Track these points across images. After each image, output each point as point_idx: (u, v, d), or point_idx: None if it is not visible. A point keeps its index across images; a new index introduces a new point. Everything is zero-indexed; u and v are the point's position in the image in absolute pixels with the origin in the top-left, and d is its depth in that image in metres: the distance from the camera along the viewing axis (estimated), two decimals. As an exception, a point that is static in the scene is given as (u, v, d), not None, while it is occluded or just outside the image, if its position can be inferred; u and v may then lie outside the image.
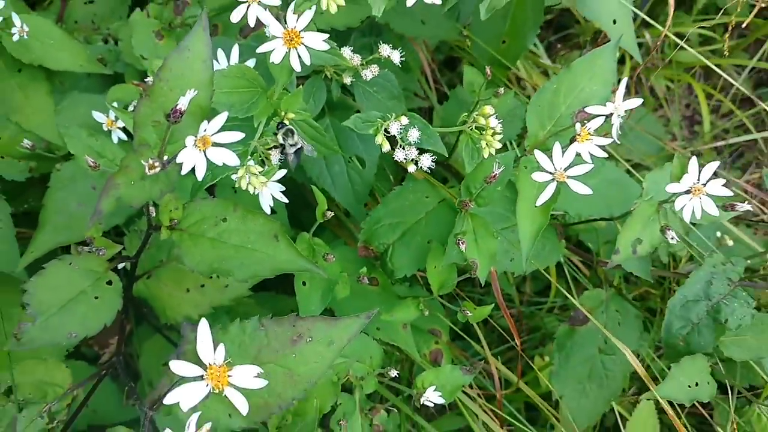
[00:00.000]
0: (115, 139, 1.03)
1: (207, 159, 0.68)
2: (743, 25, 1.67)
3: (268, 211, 0.94)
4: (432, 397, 0.97)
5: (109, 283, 0.83)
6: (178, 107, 0.69)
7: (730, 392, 1.12)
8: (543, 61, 1.69)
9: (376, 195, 1.31)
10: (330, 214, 1.02)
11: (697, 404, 1.18)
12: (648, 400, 1.25)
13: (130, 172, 0.67)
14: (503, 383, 1.32)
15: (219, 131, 0.69)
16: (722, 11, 1.67)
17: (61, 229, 1.06)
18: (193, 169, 0.71)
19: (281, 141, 0.86)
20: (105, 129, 1.03)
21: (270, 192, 0.94)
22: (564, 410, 1.18)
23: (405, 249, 1.09)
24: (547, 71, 1.72)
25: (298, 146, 0.87)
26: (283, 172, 0.94)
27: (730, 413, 1.15)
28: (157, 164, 0.65)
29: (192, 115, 0.72)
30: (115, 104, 1.03)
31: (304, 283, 1.02)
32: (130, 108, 1.04)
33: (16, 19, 1.05)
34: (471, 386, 1.27)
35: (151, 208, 0.84)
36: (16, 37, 1.05)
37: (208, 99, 0.73)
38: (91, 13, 1.37)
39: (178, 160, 0.66)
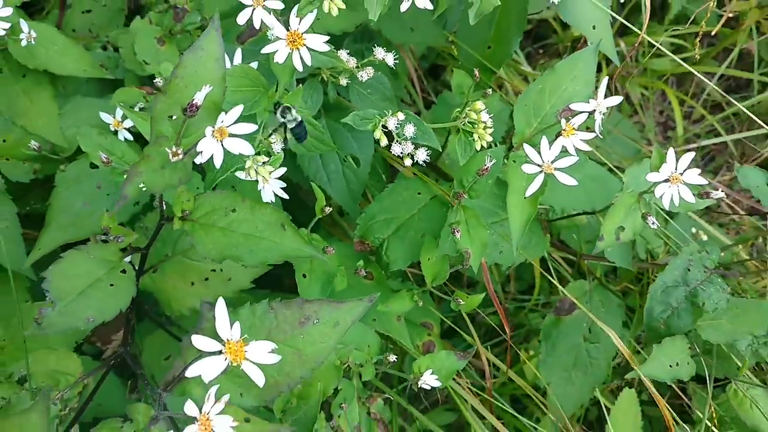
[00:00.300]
0: (121, 139, 1.07)
1: (224, 149, 0.72)
2: (712, 33, 1.76)
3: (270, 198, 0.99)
4: (429, 380, 1.02)
5: (123, 271, 0.87)
6: (194, 102, 0.74)
7: (708, 377, 1.18)
8: (524, 68, 1.76)
9: (368, 194, 1.36)
10: (328, 209, 1.07)
11: (675, 387, 1.25)
12: (630, 388, 1.32)
13: (151, 161, 0.71)
14: (492, 377, 1.37)
15: (233, 123, 0.74)
16: (691, 19, 1.76)
17: (66, 228, 1.09)
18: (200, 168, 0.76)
19: (281, 119, 0.91)
20: (112, 129, 1.07)
21: (272, 188, 0.99)
22: (551, 397, 1.24)
23: (399, 243, 1.14)
24: (527, 78, 1.80)
25: (299, 120, 0.92)
26: (283, 170, 0.99)
27: (708, 398, 1.21)
28: (180, 152, 0.69)
29: (206, 110, 0.77)
30: (121, 105, 1.07)
31: (304, 276, 1.07)
32: (136, 109, 1.08)
33: (24, 25, 1.09)
34: (460, 375, 1.31)
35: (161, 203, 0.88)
36: (24, 43, 1.08)
37: (221, 95, 0.78)
38: (89, 22, 1.40)
39: (198, 148, 0.70)
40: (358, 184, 1.22)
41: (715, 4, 1.94)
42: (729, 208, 1.82)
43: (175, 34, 1.20)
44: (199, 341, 0.70)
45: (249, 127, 0.74)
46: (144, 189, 0.73)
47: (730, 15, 1.85)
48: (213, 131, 0.72)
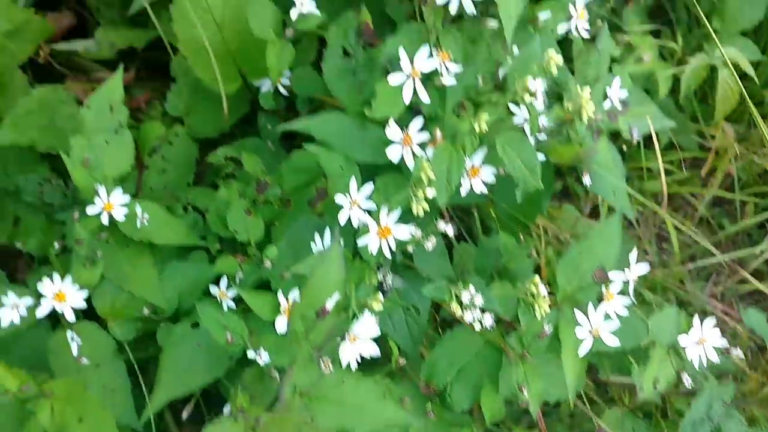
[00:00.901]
0: (224, 308, 1.24)
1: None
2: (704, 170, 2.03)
3: (354, 365, 1.15)
4: None
5: (252, 438, 1.03)
6: (325, 308, 0.92)
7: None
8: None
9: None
10: (402, 361, 1.24)
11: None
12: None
13: (301, 361, 0.89)
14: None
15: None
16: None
17: (173, 386, 1.24)
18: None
19: (381, 279, 1.15)
20: (218, 300, 1.24)
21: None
22: None
23: (462, 385, 1.31)
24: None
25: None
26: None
27: None
28: (329, 362, 0.87)
29: (331, 314, 0.95)
30: (225, 277, 1.24)
31: (385, 423, 1.24)
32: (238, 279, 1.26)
33: (138, 209, 1.26)
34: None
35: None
36: (139, 224, 1.26)
37: (344, 295, 0.96)
38: (165, 181, 1.58)
39: (340, 352, 0.88)
40: (418, 331, 1.39)
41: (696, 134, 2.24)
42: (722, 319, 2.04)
43: (259, 204, 1.38)
44: None
45: (374, 330, 0.92)
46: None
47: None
48: (348, 338, 0.90)
